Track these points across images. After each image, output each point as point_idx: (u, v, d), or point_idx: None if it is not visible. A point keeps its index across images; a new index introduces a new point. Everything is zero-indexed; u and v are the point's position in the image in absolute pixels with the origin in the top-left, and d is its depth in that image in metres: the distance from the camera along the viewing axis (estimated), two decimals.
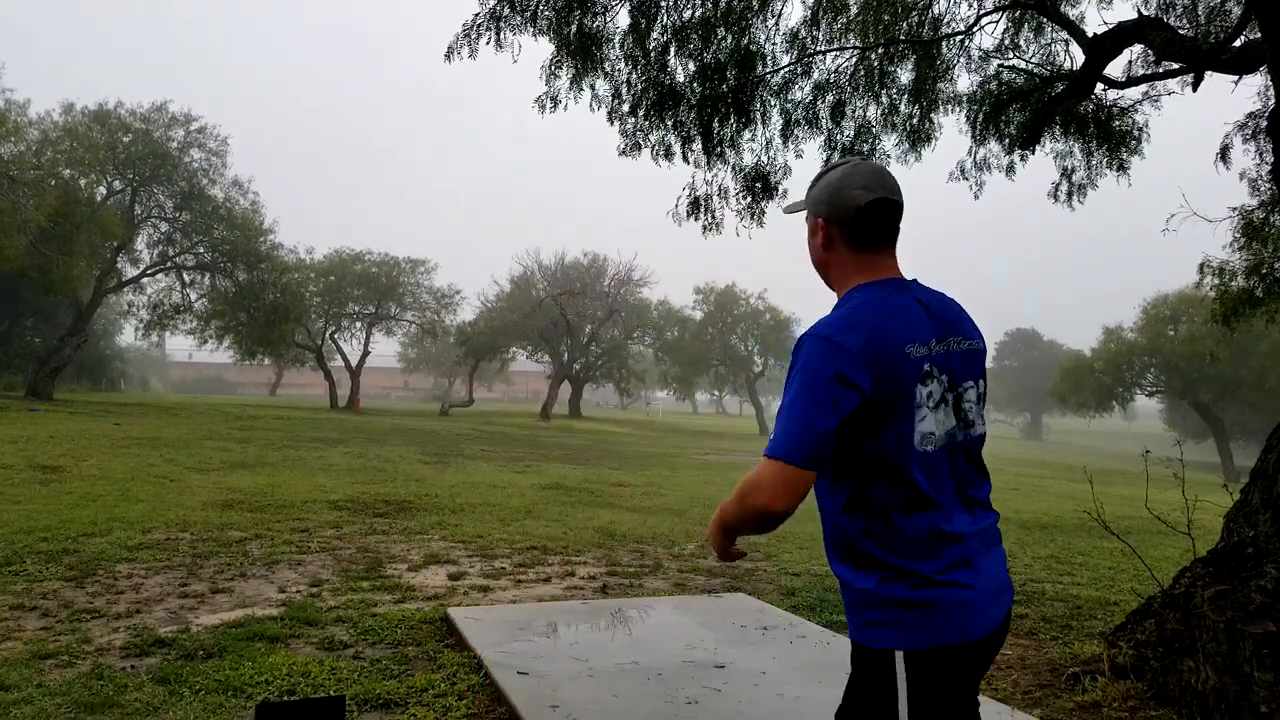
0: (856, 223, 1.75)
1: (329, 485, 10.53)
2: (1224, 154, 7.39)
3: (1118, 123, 7.18)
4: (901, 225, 1.83)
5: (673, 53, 6.78)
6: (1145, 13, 6.20)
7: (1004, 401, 74.73)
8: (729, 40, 6.81)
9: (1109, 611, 5.76)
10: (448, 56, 6.44)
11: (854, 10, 7.06)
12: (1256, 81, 6.41)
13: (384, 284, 40.25)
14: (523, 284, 44.56)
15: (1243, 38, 5.93)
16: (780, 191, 7.29)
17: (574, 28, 6.41)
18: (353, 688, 3.66)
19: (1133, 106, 7.16)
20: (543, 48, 6.61)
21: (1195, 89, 6.14)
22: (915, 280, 1.81)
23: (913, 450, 1.65)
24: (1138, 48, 6.56)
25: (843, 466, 1.68)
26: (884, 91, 7.24)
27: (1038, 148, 7.22)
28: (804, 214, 1.90)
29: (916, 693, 1.61)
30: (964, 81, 9.86)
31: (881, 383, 1.61)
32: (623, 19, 6.62)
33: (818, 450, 1.58)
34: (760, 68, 6.94)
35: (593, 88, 6.78)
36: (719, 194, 7.27)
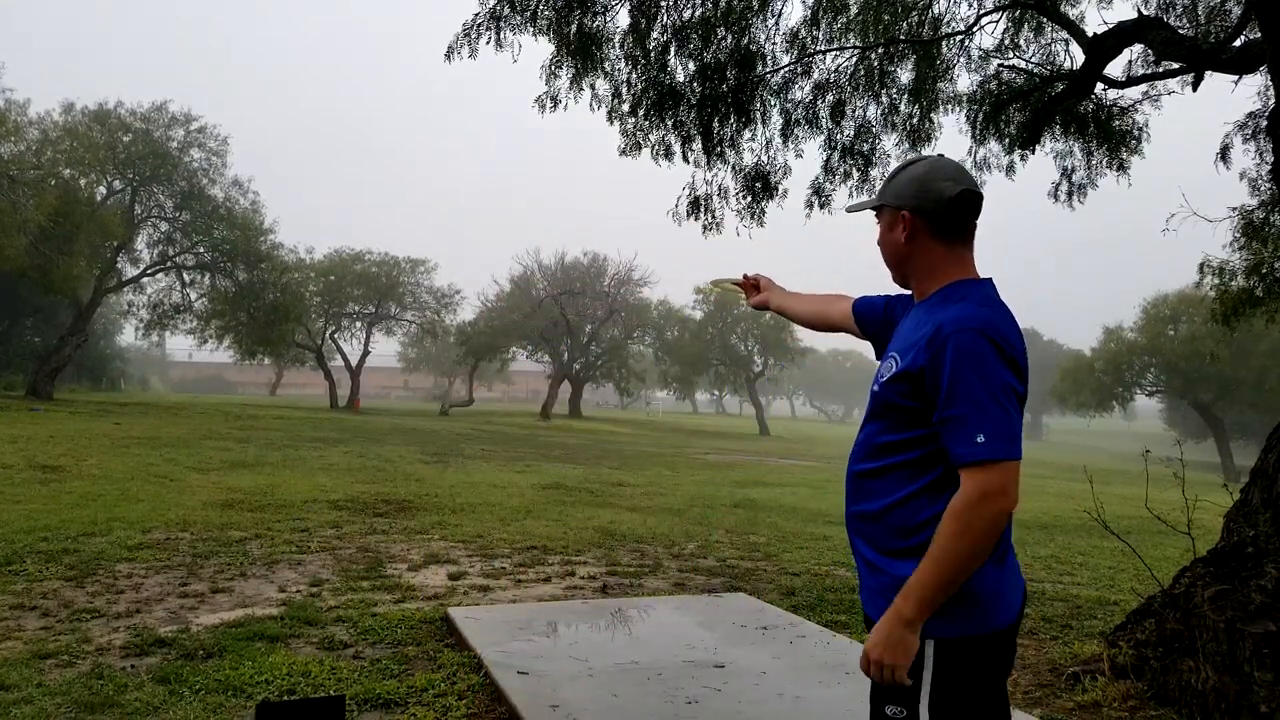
0: (945, 214, 1.76)
1: (329, 485, 10.53)
2: (1224, 154, 7.38)
3: (1118, 122, 7.18)
4: None
5: (673, 52, 6.78)
6: (1145, 12, 6.19)
7: None
8: (729, 40, 6.80)
9: (1109, 611, 5.76)
10: (448, 56, 6.44)
11: (854, 10, 7.06)
12: (1256, 81, 6.41)
13: (384, 284, 40.25)
14: (523, 284, 44.54)
15: (1243, 38, 5.93)
16: (780, 191, 7.29)
17: (574, 27, 6.41)
18: (353, 687, 3.67)
19: (1133, 106, 7.15)
20: (543, 48, 6.61)
21: (1195, 89, 6.14)
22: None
23: None
24: (1138, 47, 6.56)
25: (941, 450, 1.66)
26: (884, 91, 7.23)
27: (1038, 147, 7.22)
28: (872, 212, 1.91)
29: (941, 680, 1.63)
30: (964, 81, 9.84)
31: (1023, 378, 1.66)
32: (623, 19, 6.62)
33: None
34: (760, 67, 6.93)
35: (593, 87, 6.78)
36: (719, 194, 7.26)
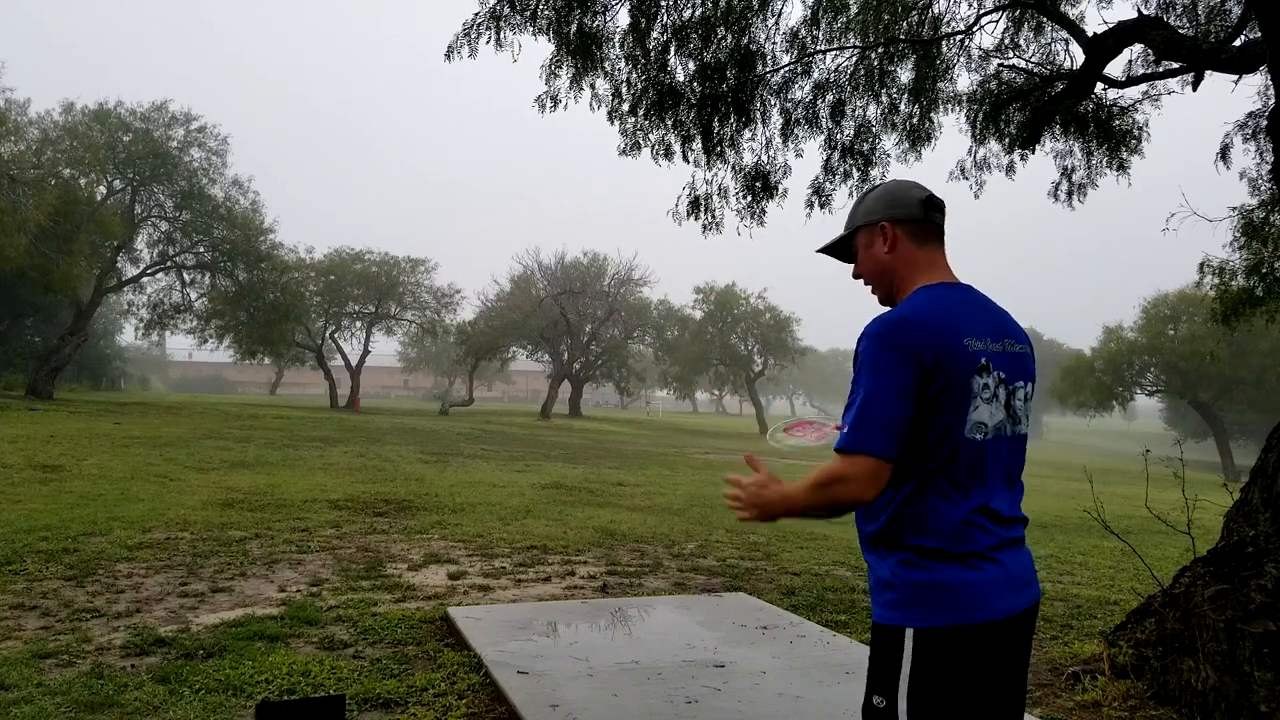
0: (920, 217, 1.87)
1: (329, 484, 10.53)
2: (1224, 154, 7.38)
3: (1118, 122, 7.18)
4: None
5: (673, 52, 6.78)
6: (1145, 12, 6.20)
7: None
8: (729, 40, 6.80)
9: (1109, 611, 5.76)
10: (448, 56, 6.45)
11: (854, 10, 7.06)
12: (1256, 81, 6.41)
13: (384, 283, 40.23)
14: (523, 283, 44.54)
15: (1243, 37, 5.93)
16: (780, 191, 7.29)
17: (574, 27, 6.41)
18: (353, 687, 3.67)
19: (1133, 106, 7.15)
20: (543, 47, 6.61)
21: (1195, 89, 6.14)
22: (970, 285, 1.90)
23: (962, 437, 1.71)
24: (1138, 47, 6.56)
25: None
26: (884, 91, 7.23)
27: (1038, 147, 7.22)
28: (853, 235, 1.96)
29: (919, 671, 1.66)
30: (964, 81, 9.85)
31: (939, 370, 1.69)
32: (623, 18, 6.62)
33: (896, 440, 1.66)
34: (760, 67, 6.93)
35: (593, 87, 6.78)
36: (719, 193, 7.27)
